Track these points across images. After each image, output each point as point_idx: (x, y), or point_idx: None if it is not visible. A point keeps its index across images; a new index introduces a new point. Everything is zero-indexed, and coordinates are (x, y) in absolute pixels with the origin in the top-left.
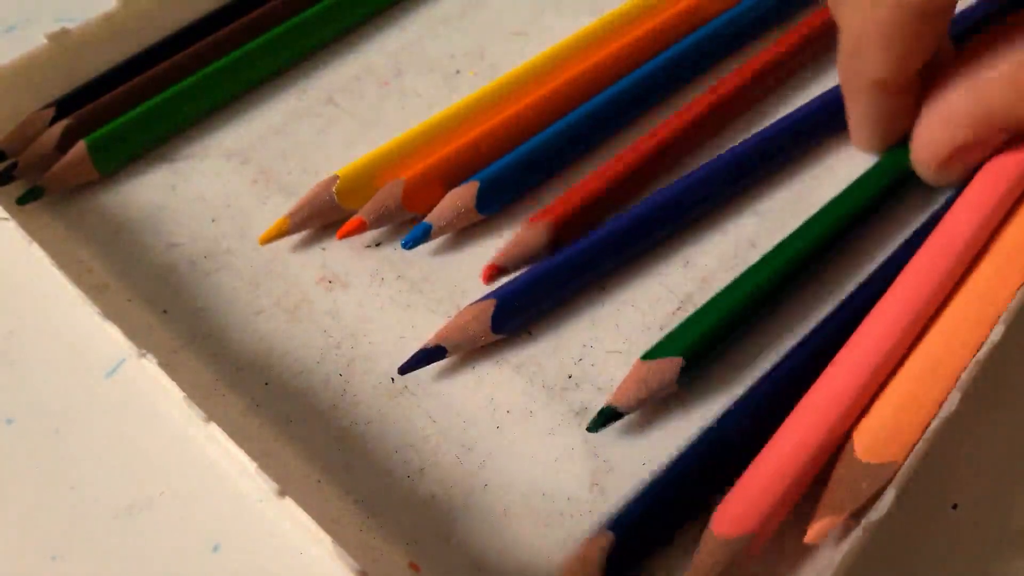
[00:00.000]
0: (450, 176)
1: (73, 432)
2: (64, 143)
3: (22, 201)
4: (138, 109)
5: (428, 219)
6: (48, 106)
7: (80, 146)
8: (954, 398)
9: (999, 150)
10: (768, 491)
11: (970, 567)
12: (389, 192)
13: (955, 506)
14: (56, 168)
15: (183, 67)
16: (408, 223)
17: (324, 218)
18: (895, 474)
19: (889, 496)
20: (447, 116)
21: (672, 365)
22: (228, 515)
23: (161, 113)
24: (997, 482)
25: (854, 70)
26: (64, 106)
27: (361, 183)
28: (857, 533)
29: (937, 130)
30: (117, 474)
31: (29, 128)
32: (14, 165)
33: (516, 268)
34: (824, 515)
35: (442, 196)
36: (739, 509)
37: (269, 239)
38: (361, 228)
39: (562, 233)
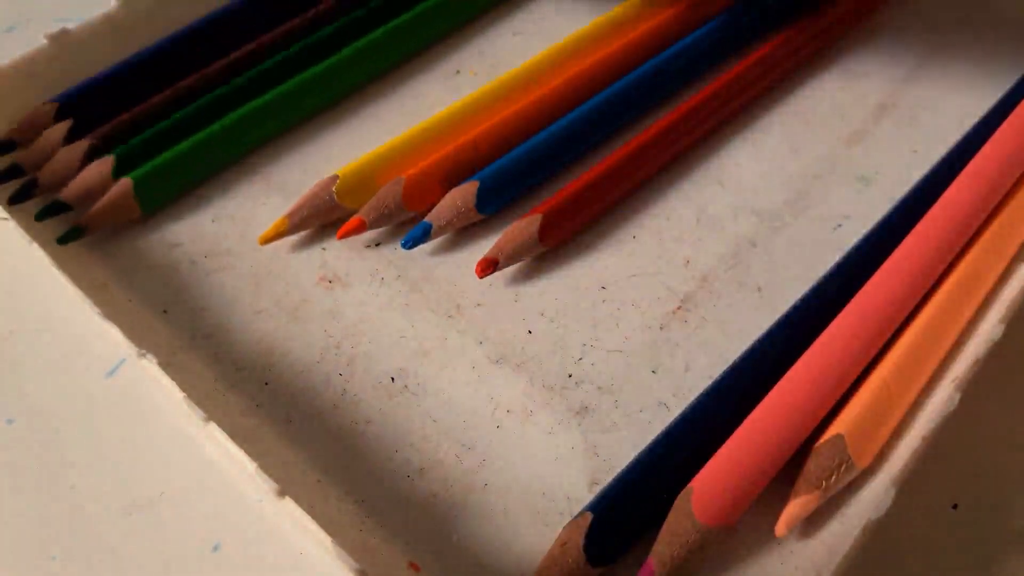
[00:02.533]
0: (450, 175)
1: (73, 432)
2: (87, 162)
3: (63, 240)
4: (184, 145)
5: (428, 219)
6: (52, 100)
7: (126, 185)
8: (954, 398)
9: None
10: (752, 484)
11: (970, 567)
12: (389, 191)
13: (955, 506)
14: (101, 206)
15: (220, 98)
16: (408, 223)
17: (324, 218)
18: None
19: (889, 496)
20: (447, 115)
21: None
22: (228, 515)
23: (210, 151)
24: (997, 482)
25: None
26: (68, 104)
27: (361, 182)
28: (857, 533)
29: None
30: (117, 474)
31: (35, 120)
32: (34, 182)
33: (509, 262)
34: (795, 506)
35: (441, 196)
36: (721, 499)
37: (268, 239)
38: (361, 228)
39: (553, 225)
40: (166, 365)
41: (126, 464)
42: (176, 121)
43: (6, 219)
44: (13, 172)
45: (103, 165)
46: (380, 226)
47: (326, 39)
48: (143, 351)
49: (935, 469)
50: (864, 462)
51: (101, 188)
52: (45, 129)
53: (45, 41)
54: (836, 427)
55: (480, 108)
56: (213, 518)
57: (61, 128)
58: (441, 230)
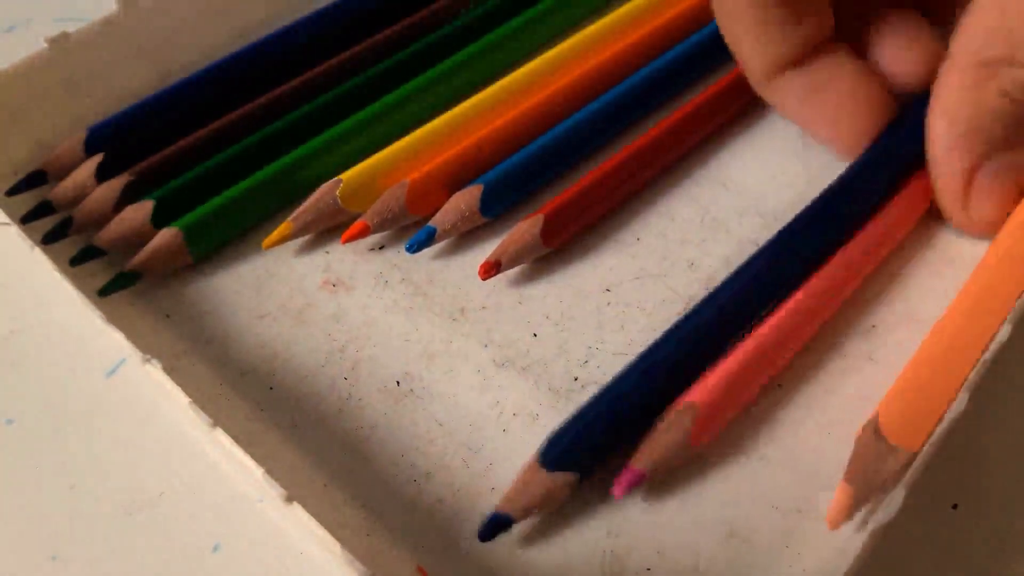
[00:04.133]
0: (454, 179)
1: (73, 432)
2: (124, 201)
3: (104, 292)
4: (237, 189)
5: (432, 222)
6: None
7: (176, 235)
8: (963, 398)
9: None
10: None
11: (970, 568)
12: (393, 195)
13: (955, 506)
14: (152, 257)
15: (269, 136)
16: (412, 226)
17: (328, 222)
18: (911, 459)
19: (899, 498)
20: (450, 118)
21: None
22: (228, 515)
23: (263, 195)
24: (997, 482)
25: None
26: (99, 135)
27: (364, 186)
28: (865, 536)
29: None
30: (117, 474)
31: (64, 157)
32: (69, 222)
33: (513, 264)
34: (847, 495)
35: (446, 199)
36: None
37: (272, 243)
38: (365, 232)
39: (555, 226)
40: (170, 370)
41: (126, 464)
42: (222, 162)
43: (7, 224)
44: (45, 208)
45: (141, 209)
46: (384, 230)
47: (388, 70)
48: (147, 356)
49: (935, 469)
50: (911, 444)
51: (138, 233)
52: (66, 155)
53: (45, 44)
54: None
55: (483, 111)
56: (213, 518)
57: (115, 187)
58: (446, 234)
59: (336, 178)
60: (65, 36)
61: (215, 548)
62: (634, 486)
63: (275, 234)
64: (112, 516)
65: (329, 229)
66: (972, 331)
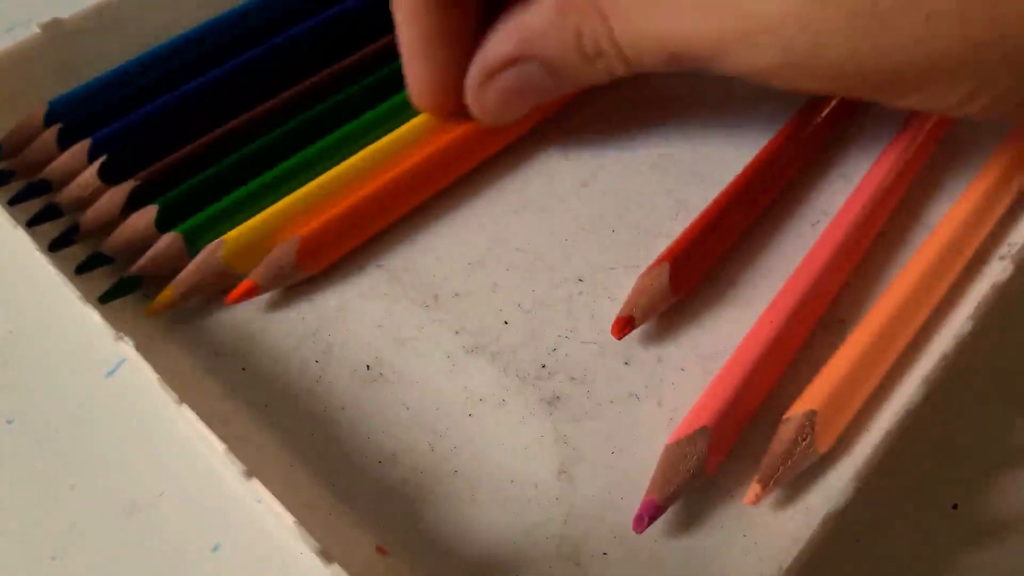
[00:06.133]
0: (346, 233)
1: (73, 432)
2: (130, 206)
3: (105, 299)
4: (240, 193)
5: (251, 277)
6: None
7: (177, 240)
8: (918, 392)
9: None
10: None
11: (970, 568)
12: (283, 252)
13: (955, 506)
14: (153, 263)
15: (275, 141)
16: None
17: (215, 285)
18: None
19: (849, 488)
20: (339, 173)
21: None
22: (228, 515)
23: (264, 198)
24: (997, 482)
25: None
26: (60, 107)
27: (251, 245)
28: (815, 525)
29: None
30: (117, 474)
31: (25, 130)
32: (75, 229)
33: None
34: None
35: (338, 255)
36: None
37: (154, 312)
38: (253, 292)
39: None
40: (143, 349)
41: (126, 464)
42: (227, 167)
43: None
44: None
45: (146, 215)
46: (274, 288)
47: (391, 74)
48: (120, 334)
49: (935, 469)
50: (825, 447)
51: (143, 238)
52: (38, 138)
53: (37, 30)
54: (808, 401)
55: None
56: (213, 518)
57: (121, 193)
58: (267, 288)
59: (219, 239)
60: (58, 22)
61: (215, 548)
62: (653, 519)
63: (156, 303)
64: (112, 516)
65: (221, 292)
66: (897, 338)
